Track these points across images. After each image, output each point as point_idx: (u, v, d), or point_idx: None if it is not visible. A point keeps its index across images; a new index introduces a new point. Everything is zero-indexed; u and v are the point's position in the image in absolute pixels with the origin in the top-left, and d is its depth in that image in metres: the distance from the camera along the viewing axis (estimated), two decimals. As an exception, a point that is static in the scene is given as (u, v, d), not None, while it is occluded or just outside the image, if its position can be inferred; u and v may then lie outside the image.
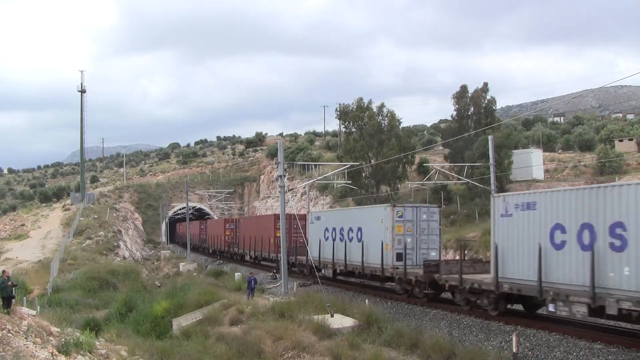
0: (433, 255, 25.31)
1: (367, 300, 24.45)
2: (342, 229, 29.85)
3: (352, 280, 31.49)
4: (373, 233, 26.42)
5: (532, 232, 17.58)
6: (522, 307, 20.03)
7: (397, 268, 24.65)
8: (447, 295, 23.04)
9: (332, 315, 20.46)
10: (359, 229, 27.97)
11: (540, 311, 19.47)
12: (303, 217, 36.87)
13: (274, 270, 39.13)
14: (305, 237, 33.41)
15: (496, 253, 18.94)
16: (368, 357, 15.68)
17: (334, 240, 30.61)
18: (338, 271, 30.59)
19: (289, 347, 17.36)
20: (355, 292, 28.75)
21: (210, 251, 63.14)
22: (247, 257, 49.21)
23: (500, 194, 20.52)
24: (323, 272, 31.40)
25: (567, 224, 16.31)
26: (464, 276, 20.62)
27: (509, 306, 19.87)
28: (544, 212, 17.20)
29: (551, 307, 16.99)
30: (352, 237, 28.59)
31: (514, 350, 15.89)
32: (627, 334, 16.42)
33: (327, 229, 31.72)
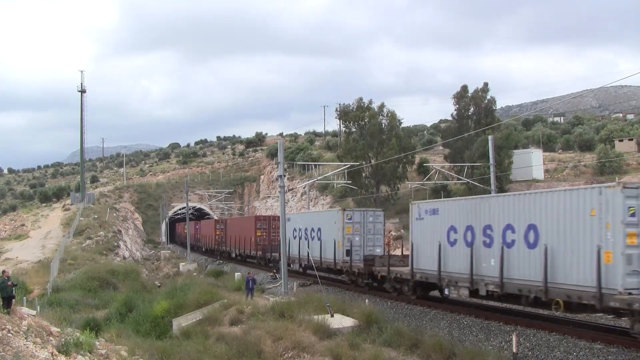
0: (378, 251, 29.36)
1: (367, 300, 24.47)
2: (306, 229, 34.24)
3: (317, 273, 31.23)
4: (329, 233, 31.05)
5: (436, 232, 22.19)
6: (438, 293, 23.83)
7: (346, 262, 29.04)
8: (435, 293, 24.50)
9: (332, 315, 20.47)
10: (319, 230, 32.55)
11: (540, 311, 19.47)
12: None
13: (274, 270, 39.15)
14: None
15: (412, 249, 23.71)
16: (368, 357, 15.68)
17: (300, 239, 34.97)
18: (303, 265, 35.08)
19: (289, 347, 17.36)
20: (355, 292, 28.80)
21: (204, 250, 66.78)
22: (233, 255, 53.25)
23: (416, 201, 24.70)
24: (292, 266, 35.49)
25: (458, 226, 21.01)
26: (391, 268, 25.40)
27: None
28: (444, 216, 21.93)
29: (446, 291, 22.05)
30: (314, 237, 33.12)
31: (514, 350, 15.90)
32: (627, 334, 16.43)
33: (295, 229, 35.76)
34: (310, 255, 32.53)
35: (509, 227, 18.35)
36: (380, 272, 25.99)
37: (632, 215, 14.80)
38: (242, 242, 49.46)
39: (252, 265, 45.37)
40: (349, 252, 29.14)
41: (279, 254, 34.81)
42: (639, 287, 14.71)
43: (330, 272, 32.08)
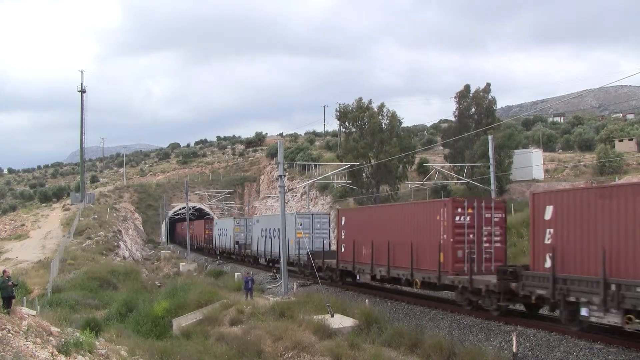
0: (320, 247, 35.46)
1: (367, 300, 24.47)
2: (269, 229, 41.00)
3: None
4: (271, 233, 39.60)
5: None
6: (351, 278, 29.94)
7: (297, 257, 35.66)
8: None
9: (332, 315, 20.48)
10: (274, 230, 39.08)
11: (540, 311, 19.47)
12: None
13: (274, 270, 39.17)
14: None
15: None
16: (368, 357, 15.69)
17: (265, 237, 41.90)
18: (267, 259, 42.90)
19: (289, 347, 17.38)
20: (355, 292, 28.82)
21: (195, 247, 69.98)
22: (217, 252, 60.55)
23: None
24: (260, 260, 44.39)
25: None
26: (325, 260, 31.79)
27: (511, 307, 20.06)
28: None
29: (358, 277, 28.88)
30: (275, 236, 38.72)
31: (514, 350, 15.90)
32: (627, 334, 16.43)
33: (262, 230, 42.95)
34: (272, 251, 40.20)
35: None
36: (318, 264, 31.14)
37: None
38: (224, 240, 56.58)
39: (233, 262, 52.52)
40: (299, 249, 35.25)
41: (250, 251, 44.00)
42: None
43: (293, 265, 37.37)
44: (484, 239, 21.54)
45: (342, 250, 30.16)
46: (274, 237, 39.17)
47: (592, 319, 15.44)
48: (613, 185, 22.48)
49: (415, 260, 22.90)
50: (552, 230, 16.74)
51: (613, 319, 14.69)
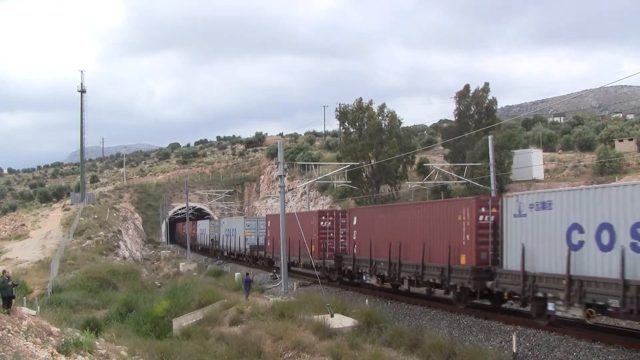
0: (259, 243, 45.49)
1: (367, 300, 24.48)
2: (230, 229, 53.45)
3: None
4: (239, 232, 50.01)
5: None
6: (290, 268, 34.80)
7: (244, 250, 48.24)
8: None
9: (332, 315, 20.47)
10: (235, 230, 51.75)
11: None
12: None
13: (274, 270, 39.19)
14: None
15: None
16: (368, 357, 15.69)
17: (227, 236, 54.69)
18: (228, 252, 55.31)
19: (289, 347, 17.38)
20: (355, 292, 28.81)
21: (182, 244, 76.39)
22: (199, 248, 69.90)
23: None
24: (224, 253, 56.66)
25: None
26: (259, 252, 43.94)
27: (512, 306, 20.04)
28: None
29: (275, 263, 37.37)
30: (235, 234, 51.52)
31: (514, 350, 15.90)
32: (627, 334, 16.43)
33: (226, 229, 55.46)
34: (231, 247, 53.22)
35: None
36: (254, 254, 45.68)
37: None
38: (203, 238, 68.61)
39: (207, 255, 64.01)
40: (246, 244, 47.51)
41: (219, 246, 58.33)
42: None
43: (239, 257, 51.48)
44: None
45: (269, 244, 40.63)
46: (233, 235, 52.00)
47: (368, 281, 27.55)
48: (382, 205, 38.18)
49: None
50: (356, 231, 28.50)
51: (372, 281, 27.00)
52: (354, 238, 28.54)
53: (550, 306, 16.71)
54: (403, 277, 23.91)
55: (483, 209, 20.03)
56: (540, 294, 16.98)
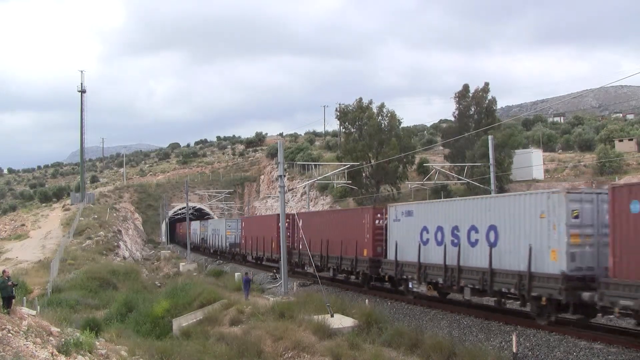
0: (237, 241, 52.00)
1: (367, 300, 24.47)
2: (215, 229, 60.44)
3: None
4: (221, 231, 56.76)
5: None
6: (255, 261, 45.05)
7: (226, 248, 54.63)
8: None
9: (332, 315, 20.47)
10: (218, 229, 58.83)
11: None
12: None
13: (274, 270, 39.18)
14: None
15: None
16: (368, 357, 15.68)
17: (213, 235, 61.71)
18: (213, 250, 61.24)
19: (289, 347, 17.37)
20: (355, 292, 28.82)
21: (181, 244, 79.60)
22: (192, 246, 74.96)
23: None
24: (207, 249, 64.07)
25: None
26: (236, 249, 50.58)
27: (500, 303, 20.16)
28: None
29: (248, 257, 47.39)
30: (219, 234, 58.03)
31: (514, 350, 15.90)
32: (627, 334, 16.43)
33: (212, 230, 62.42)
34: (215, 244, 59.88)
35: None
36: (232, 251, 52.26)
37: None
38: (195, 237, 73.06)
39: (200, 252, 67.42)
40: (227, 242, 54.42)
41: (207, 244, 64.85)
42: None
43: (222, 253, 57.49)
44: None
45: (244, 242, 48.40)
46: (217, 235, 58.98)
47: (309, 270, 31.79)
48: (317, 211, 51.19)
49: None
50: (302, 231, 31.97)
51: (309, 270, 31.52)
52: (301, 236, 33.21)
53: (410, 284, 23.41)
54: (330, 266, 30.63)
55: (379, 215, 26.07)
56: (405, 277, 23.70)
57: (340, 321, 19.82)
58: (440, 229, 21.25)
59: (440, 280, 21.05)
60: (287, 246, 33.72)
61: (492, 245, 18.68)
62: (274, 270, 39.21)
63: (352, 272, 28.18)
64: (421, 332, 17.93)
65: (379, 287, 27.38)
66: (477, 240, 19.44)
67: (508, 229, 18.09)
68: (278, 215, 36.75)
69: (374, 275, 26.16)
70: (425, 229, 22.17)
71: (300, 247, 33.60)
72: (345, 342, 16.97)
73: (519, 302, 18.44)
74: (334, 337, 17.84)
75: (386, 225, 25.19)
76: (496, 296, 19.13)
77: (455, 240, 20.36)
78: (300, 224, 33.12)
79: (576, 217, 15.86)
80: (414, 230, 22.81)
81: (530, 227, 17.17)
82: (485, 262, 18.75)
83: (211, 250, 62.67)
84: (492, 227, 18.73)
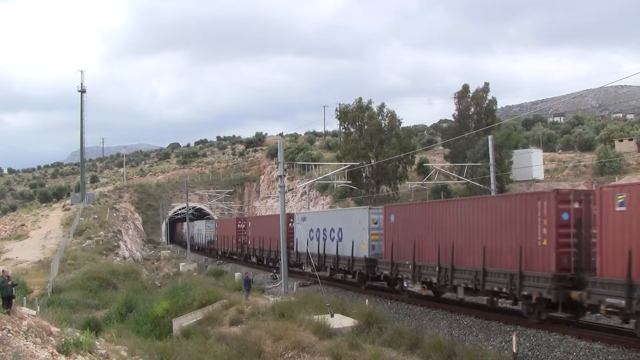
0: (213, 239, 60.63)
1: (367, 300, 24.45)
2: (199, 229, 68.75)
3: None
4: (203, 231, 65.41)
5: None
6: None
7: (205, 245, 63.29)
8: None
9: (332, 315, 20.46)
10: (201, 229, 66.89)
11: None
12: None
13: (274, 271, 39.19)
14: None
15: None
16: (368, 357, 15.68)
17: (197, 234, 69.38)
18: (198, 247, 67.73)
19: (289, 347, 17.38)
20: (355, 292, 28.82)
21: (181, 244, 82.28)
22: (183, 244, 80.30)
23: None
24: (195, 247, 67.46)
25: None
26: (212, 245, 59.86)
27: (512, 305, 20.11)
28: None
29: (219, 252, 56.62)
30: (202, 233, 66.02)
31: (514, 350, 15.90)
32: (627, 334, 16.42)
33: (197, 229, 70.14)
34: (199, 241, 67.35)
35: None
36: (210, 247, 60.38)
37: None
38: (187, 236, 77.94)
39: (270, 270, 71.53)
40: (205, 239, 63.04)
41: (195, 242, 70.43)
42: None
43: (202, 249, 65.48)
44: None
45: (217, 239, 58.69)
46: (200, 234, 67.26)
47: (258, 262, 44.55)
48: (259, 216, 62.96)
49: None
50: (250, 231, 44.45)
51: (252, 260, 45.78)
52: (250, 234, 46.42)
53: (303, 267, 34.41)
54: (264, 257, 42.36)
55: (291, 220, 36.40)
56: (300, 262, 34.37)
57: (340, 321, 19.81)
58: (318, 230, 32.28)
59: (316, 264, 29.82)
60: (241, 242, 45.94)
61: (339, 240, 29.64)
62: (274, 270, 39.23)
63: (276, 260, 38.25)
64: (421, 332, 17.92)
65: (296, 271, 36.28)
66: (333, 238, 30.41)
67: (345, 230, 29.10)
68: (235, 218, 54.48)
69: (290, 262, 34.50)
70: (312, 230, 33.05)
71: (253, 242, 45.10)
72: (345, 342, 16.97)
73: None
74: (334, 337, 17.83)
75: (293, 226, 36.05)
76: (340, 273, 30.76)
77: (324, 237, 31.42)
78: (249, 225, 46.53)
79: (375, 223, 26.50)
80: (305, 230, 33.24)
81: (355, 229, 27.85)
82: (334, 251, 29.91)
83: (196, 247, 68.72)
84: (340, 229, 29.76)
